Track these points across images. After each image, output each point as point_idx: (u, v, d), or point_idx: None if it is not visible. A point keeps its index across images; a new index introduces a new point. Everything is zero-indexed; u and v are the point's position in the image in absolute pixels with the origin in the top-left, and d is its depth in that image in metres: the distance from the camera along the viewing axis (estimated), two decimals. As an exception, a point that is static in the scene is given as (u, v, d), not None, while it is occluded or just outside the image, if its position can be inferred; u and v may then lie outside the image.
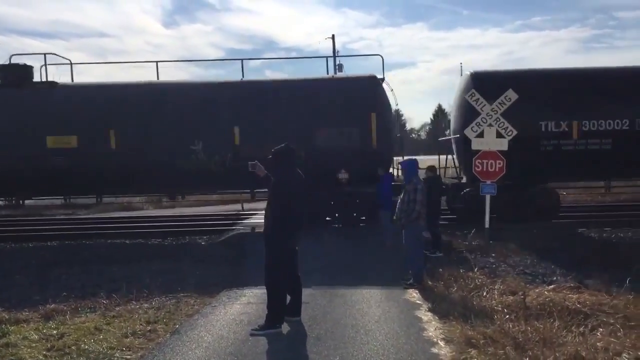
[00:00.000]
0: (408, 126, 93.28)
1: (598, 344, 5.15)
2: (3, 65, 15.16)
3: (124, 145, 14.28)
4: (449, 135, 16.84)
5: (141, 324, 6.62)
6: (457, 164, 16.28)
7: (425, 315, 6.81)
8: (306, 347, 5.71)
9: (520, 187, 14.58)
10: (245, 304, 7.56)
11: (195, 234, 15.08)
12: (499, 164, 10.60)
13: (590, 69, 15.67)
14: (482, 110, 10.87)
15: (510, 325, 5.75)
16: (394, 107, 15.40)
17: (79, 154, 14.25)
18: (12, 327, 6.56)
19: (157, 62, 15.83)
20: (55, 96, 14.89)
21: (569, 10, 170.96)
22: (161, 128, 14.32)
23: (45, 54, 15.60)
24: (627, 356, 4.93)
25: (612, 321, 5.88)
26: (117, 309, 7.44)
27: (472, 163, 10.83)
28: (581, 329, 5.66)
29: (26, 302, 8.10)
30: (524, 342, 5.27)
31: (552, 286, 7.25)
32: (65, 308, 7.42)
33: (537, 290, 7.20)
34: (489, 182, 10.64)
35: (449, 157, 16.76)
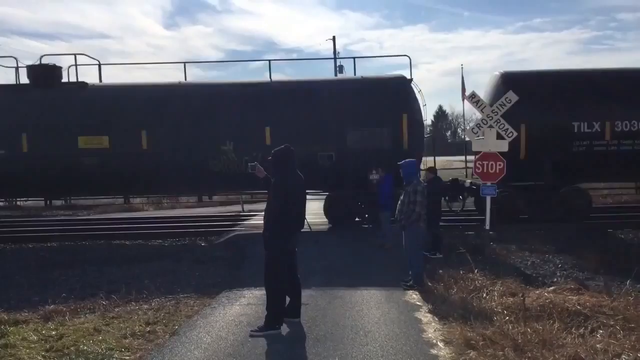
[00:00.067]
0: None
1: (597, 345, 5.13)
2: (33, 66, 15.15)
3: (155, 146, 14.25)
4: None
5: (140, 325, 6.61)
6: None
7: (424, 316, 6.79)
8: (305, 348, 5.71)
9: (551, 188, 14.53)
10: (244, 305, 7.55)
11: (196, 235, 15.08)
12: (500, 165, 10.60)
13: (624, 69, 15.71)
14: (483, 112, 10.86)
15: (510, 327, 5.74)
16: (422, 107, 15.38)
17: (110, 155, 14.25)
18: (12, 328, 6.54)
19: (184, 62, 15.97)
20: (86, 96, 14.90)
21: (570, 11, 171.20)
22: (192, 128, 14.28)
23: (75, 55, 15.65)
24: (626, 358, 4.92)
25: (612, 323, 5.86)
26: (117, 310, 7.44)
27: (474, 164, 10.81)
28: (581, 330, 5.65)
29: (26, 303, 8.10)
30: (523, 343, 5.26)
31: (552, 288, 7.25)
32: (64, 309, 7.40)
33: (537, 291, 7.19)
34: (489, 183, 10.63)
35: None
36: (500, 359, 5.03)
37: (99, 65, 16.01)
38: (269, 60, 15.91)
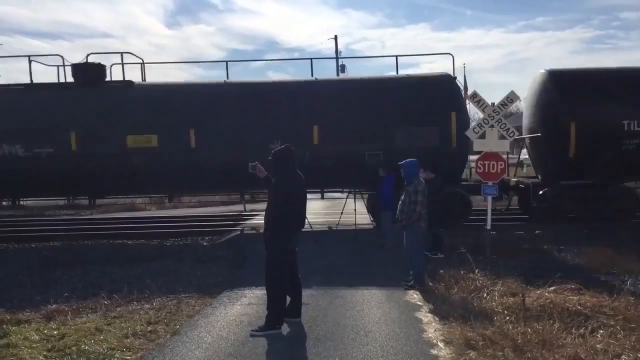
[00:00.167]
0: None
1: (598, 345, 5.14)
2: (78, 64, 15.17)
3: (204, 145, 14.22)
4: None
5: (142, 325, 6.63)
6: (531, 162, 16.15)
7: (425, 316, 6.81)
8: (306, 348, 5.73)
9: (599, 186, 14.46)
10: (245, 305, 7.57)
11: (197, 234, 15.11)
12: (501, 165, 10.59)
13: None
14: (484, 112, 10.85)
15: (510, 327, 5.74)
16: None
17: (159, 153, 14.22)
18: (14, 328, 6.57)
19: (226, 61, 15.93)
20: (133, 95, 14.92)
21: (573, 11, 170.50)
22: (240, 127, 14.27)
23: (122, 53, 15.63)
24: (626, 358, 4.92)
25: (612, 323, 5.86)
26: (118, 309, 7.47)
27: (475, 164, 10.79)
28: (581, 330, 5.65)
29: (28, 302, 8.13)
30: (523, 343, 5.27)
31: (552, 288, 7.23)
32: (66, 308, 7.43)
33: (537, 291, 7.19)
34: (490, 183, 10.62)
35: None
36: (500, 359, 5.04)
37: (142, 64, 15.98)
38: (311, 59, 15.92)
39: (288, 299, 6.56)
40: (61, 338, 6.16)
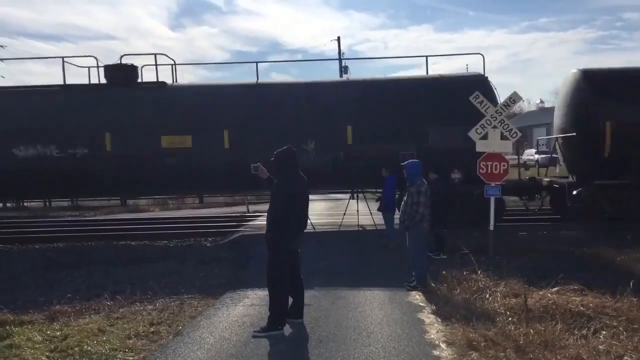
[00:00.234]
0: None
1: (600, 347, 5.13)
2: (111, 66, 15.22)
3: (237, 145, 14.23)
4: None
5: (144, 326, 6.65)
6: (562, 162, 16.14)
7: (427, 317, 6.80)
8: (308, 349, 5.73)
9: (636, 186, 14.16)
10: (248, 306, 7.58)
11: (201, 235, 15.12)
12: (504, 166, 10.58)
13: None
14: (487, 112, 10.84)
15: (512, 328, 5.74)
16: None
17: (193, 154, 14.22)
18: (17, 329, 6.60)
19: (256, 62, 15.97)
20: (167, 96, 14.96)
21: (576, 11, 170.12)
22: (274, 127, 14.25)
23: (155, 54, 15.65)
24: (628, 359, 4.91)
25: (615, 324, 5.85)
26: (121, 310, 7.48)
27: (478, 164, 10.76)
28: (583, 331, 5.64)
29: (31, 303, 8.13)
30: (525, 344, 5.27)
31: (555, 288, 7.21)
32: (69, 309, 7.45)
33: (540, 292, 7.17)
34: (493, 184, 10.61)
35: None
36: (501, 360, 5.04)
37: (174, 65, 15.96)
38: (340, 60, 15.94)
39: (290, 299, 6.57)
40: (64, 339, 6.17)
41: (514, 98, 10.80)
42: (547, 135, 16.51)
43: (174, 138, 14.26)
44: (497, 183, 10.61)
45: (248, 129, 14.26)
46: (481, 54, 15.33)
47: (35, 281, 9.81)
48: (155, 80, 15.34)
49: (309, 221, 6.84)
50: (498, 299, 7.07)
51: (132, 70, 15.24)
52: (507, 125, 10.73)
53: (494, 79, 15.21)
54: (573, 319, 6.05)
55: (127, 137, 14.28)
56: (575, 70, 15.06)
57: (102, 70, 15.34)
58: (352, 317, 6.87)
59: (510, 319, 6.11)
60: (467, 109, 14.06)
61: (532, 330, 5.60)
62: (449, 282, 8.24)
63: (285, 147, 6.58)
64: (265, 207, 6.86)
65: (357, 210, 14.08)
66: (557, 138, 16.10)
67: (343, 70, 32.13)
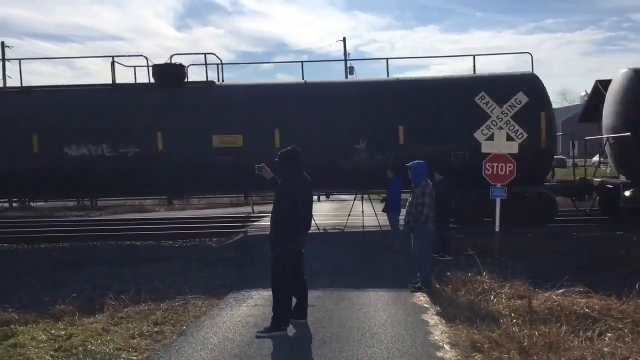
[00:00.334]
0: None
1: (605, 349, 5.09)
2: (160, 65, 15.28)
3: (288, 145, 14.09)
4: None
5: (148, 325, 6.66)
6: (612, 162, 16.08)
7: (432, 318, 6.78)
8: (311, 349, 5.73)
9: None
10: (252, 306, 7.58)
11: (205, 236, 15.14)
12: (509, 167, 10.54)
13: None
14: (492, 113, 10.81)
15: (516, 330, 5.71)
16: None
17: (243, 153, 14.19)
18: (21, 328, 6.62)
19: (302, 62, 15.99)
20: (216, 95, 15.02)
21: (583, 12, 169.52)
22: (325, 127, 14.27)
23: (205, 54, 15.70)
24: (633, 361, 4.88)
25: (620, 326, 5.81)
26: (125, 310, 7.48)
27: (483, 165, 10.71)
28: (588, 333, 5.61)
29: (36, 303, 8.15)
30: (529, 346, 5.24)
31: (561, 290, 7.18)
32: (74, 309, 7.45)
33: (545, 294, 7.13)
34: (499, 185, 10.57)
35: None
36: (505, 361, 5.01)
37: (221, 64, 15.93)
38: (386, 59, 15.93)
39: (294, 300, 6.56)
40: (68, 338, 6.19)
41: (520, 99, 10.76)
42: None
43: (225, 137, 14.31)
44: (502, 184, 10.56)
45: (298, 129, 14.21)
46: (529, 53, 15.21)
47: (40, 281, 9.84)
48: (197, 79, 15.42)
49: (313, 222, 6.82)
50: (503, 300, 7.04)
51: (181, 69, 15.30)
52: (513, 126, 10.70)
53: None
54: (578, 321, 6.02)
55: (178, 137, 14.31)
56: (626, 69, 14.95)
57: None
58: (356, 317, 6.86)
59: (514, 320, 6.08)
60: (522, 108, 13.92)
61: (536, 332, 5.58)
62: (453, 283, 8.22)
63: (289, 148, 6.58)
64: (270, 207, 6.85)
65: (362, 212, 14.06)
66: (607, 138, 15.92)
67: (349, 71, 32.20)
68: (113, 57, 15.27)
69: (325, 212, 19.93)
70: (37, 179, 14.57)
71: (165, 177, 14.42)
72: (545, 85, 14.83)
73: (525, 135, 10.79)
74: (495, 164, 10.62)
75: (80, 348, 5.81)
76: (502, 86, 14.41)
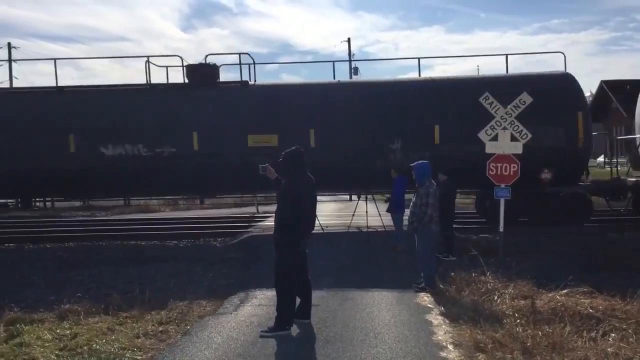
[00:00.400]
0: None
1: (609, 349, 5.09)
2: (194, 65, 15.34)
3: (323, 144, 14.21)
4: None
5: (153, 325, 6.69)
6: None
7: (435, 319, 6.79)
8: (315, 349, 5.74)
9: None
10: (256, 306, 7.60)
11: (210, 236, 15.16)
12: (514, 167, 10.53)
13: None
14: (496, 114, 10.80)
15: (520, 330, 5.72)
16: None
17: (278, 153, 14.15)
18: (27, 327, 6.66)
19: (333, 62, 16.06)
20: (251, 95, 15.06)
21: (588, 12, 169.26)
22: (360, 127, 14.26)
23: (240, 54, 15.77)
24: (637, 362, 4.87)
25: (624, 326, 5.80)
26: (130, 309, 7.50)
27: (487, 166, 10.70)
28: (592, 334, 5.60)
29: (42, 302, 8.20)
30: (532, 346, 5.24)
31: (565, 291, 7.17)
32: (79, 308, 7.48)
33: (549, 294, 7.13)
34: (503, 185, 10.56)
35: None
36: (509, 361, 5.02)
37: (254, 64, 15.95)
38: (418, 58, 15.96)
39: (298, 300, 6.58)
40: (73, 337, 6.23)
41: (524, 99, 10.74)
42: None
43: (260, 137, 14.27)
44: (507, 185, 10.56)
45: (333, 128, 14.24)
46: (562, 53, 15.17)
47: (46, 280, 9.89)
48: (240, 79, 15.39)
49: (317, 222, 6.83)
50: (506, 300, 7.04)
51: (214, 69, 15.34)
52: (517, 127, 10.69)
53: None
54: (582, 322, 6.01)
55: (214, 136, 14.31)
56: None
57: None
58: (359, 318, 6.87)
59: (518, 321, 6.08)
60: (560, 107, 13.89)
61: (539, 332, 5.58)
62: (457, 283, 8.22)
63: (293, 148, 6.60)
64: (274, 208, 6.87)
65: (366, 212, 14.07)
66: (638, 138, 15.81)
67: (353, 71, 32.19)
68: (148, 57, 15.30)
69: (329, 212, 19.94)
70: (74, 178, 14.61)
71: (200, 176, 14.46)
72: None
73: (529, 135, 10.75)
74: (499, 165, 10.61)
75: (85, 347, 5.85)
76: (537, 85, 14.38)
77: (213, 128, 14.36)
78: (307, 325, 6.53)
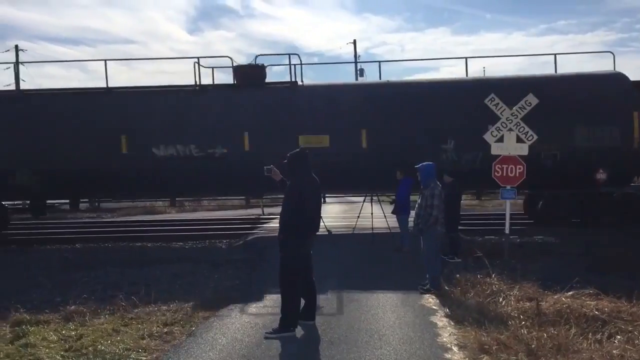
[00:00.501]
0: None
1: (614, 351, 5.06)
2: (242, 66, 15.42)
3: (375, 145, 14.21)
4: None
5: (158, 326, 6.70)
6: None
7: (440, 320, 6.78)
8: (319, 350, 5.74)
9: None
10: (260, 308, 7.61)
11: (216, 237, 15.21)
12: (519, 169, 10.50)
13: None
14: (502, 115, 10.78)
15: (525, 332, 5.70)
16: None
17: (329, 154, 14.14)
18: (33, 328, 6.68)
19: (379, 62, 16.09)
20: (301, 96, 15.07)
21: (595, 13, 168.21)
22: (412, 127, 14.22)
23: (289, 55, 15.77)
24: (643, 364, 4.84)
25: (630, 328, 5.78)
26: (136, 311, 7.52)
27: (493, 167, 10.67)
28: (598, 336, 5.57)
29: (48, 303, 8.22)
30: (537, 348, 5.22)
31: (570, 292, 7.13)
32: (85, 310, 7.49)
33: (555, 296, 7.09)
34: (508, 187, 10.54)
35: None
36: (513, 363, 5.00)
37: (300, 64, 15.91)
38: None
39: (302, 301, 6.58)
40: (79, 338, 6.24)
41: (530, 100, 10.71)
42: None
43: (312, 137, 14.24)
44: (512, 186, 10.53)
45: (385, 129, 14.20)
46: (611, 52, 15.10)
47: (51, 281, 9.92)
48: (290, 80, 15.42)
49: (322, 223, 6.83)
50: (511, 302, 7.01)
51: (262, 70, 15.37)
52: (523, 128, 10.66)
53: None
54: (587, 323, 5.98)
55: (264, 136, 14.29)
56: None
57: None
58: (364, 319, 6.87)
59: (523, 322, 6.06)
60: (615, 107, 13.75)
61: (544, 334, 5.55)
62: (462, 285, 8.19)
63: (297, 149, 6.62)
64: (279, 209, 6.88)
65: (372, 213, 14.05)
66: None
67: (359, 73, 32.18)
68: (198, 57, 15.34)
69: (334, 214, 19.95)
70: (125, 179, 14.68)
71: (250, 176, 14.45)
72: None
73: (535, 137, 10.71)
74: (505, 166, 10.58)
75: (90, 348, 5.86)
76: (591, 84, 14.32)
77: (263, 129, 14.36)
78: (312, 326, 6.53)
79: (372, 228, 13.91)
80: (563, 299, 6.89)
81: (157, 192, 17.05)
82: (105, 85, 15.47)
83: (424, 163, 8.80)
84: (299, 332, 6.35)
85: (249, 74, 15.10)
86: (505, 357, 5.13)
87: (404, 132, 14.16)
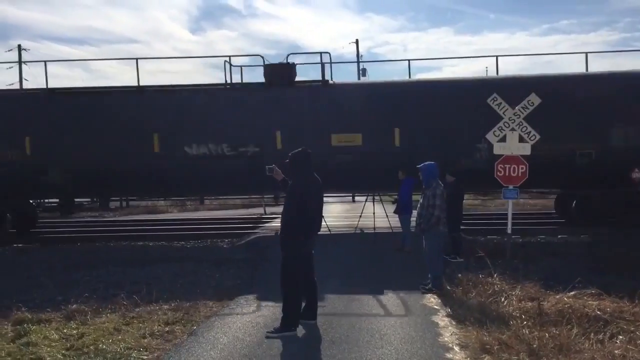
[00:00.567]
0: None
1: (616, 351, 5.05)
2: (273, 65, 15.36)
3: (408, 144, 14.12)
4: None
5: (159, 325, 6.70)
6: None
7: (442, 320, 6.77)
8: (320, 350, 5.73)
9: None
10: (262, 307, 7.60)
11: (217, 237, 15.20)
12: (522, 168, 10.48)
13: None
14: (505, 115, 10.76)
15: (526, 332, 5.69)
16: None
17: (361, 152, 14.15)
18: (34, 327, 6.69)
19: (408, 60, 16.04)
20: (332, 94, 15.01)
21: (598, 13, 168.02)
22: (445, 126, 14.18)
23: (321, 53, 15.67)
24: (645, 364, 4.83)
25: (632, 329, 5.76)
26: (137, 310, 7.53)
27: (495, 167, 10.66)
28: (599, 336, 5.56)
29: (49, 302, 8.22)
30: (538, 348, 5.21)
31: (572, 292, 7.12)
32: (86, 309, 7.50)
33: (557, 296, 7.08)
34: (511, 187, 10.52)
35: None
36: (515, 363, 4.99)
37: (330, 63, 15.76)
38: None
39: (304, 301, 6.57)
40: (80, 337, 6.25)
41: (532, 100, 10.69)
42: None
43: (344, 136, 14.24)
44: (515, 186, 10.51)
45: (418, 127, 14.15)
46: None
47: (53, 280, 9.89)
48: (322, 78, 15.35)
49: (324, 223, 6.82)
50: (513, 302, 7.00)
51: (292, 68, 15.31)
52: (525, 128, 10.64)
53: None
54: (589, 323, 5.97)
55: (296, 135, 14.07)
56: None
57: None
58: (365, 319, 6.86)
59: (524, 322, 6.05)
60: None
61: (546, 334, 5.55)
62: (464, 285, 8.19)
63: (300, 149, 6.61)
64: (281, 209, 6.87)
65: (374, 213, 14.05)
66: None
67: (362, 72, 32.20)
68: (230, 56, 15.36)
69: (336, 214, 19.95)
70: (157, 177, 14.67)
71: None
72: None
73: (538, 137, 10.69)
74: (507, 166, 10.56)
75: (91, 347, 5.87)
76: (625, 83, 14.23)
77: (295, 127, 14.27)
78: (313, 326, 6.52)
79: (374, 228, 13.92)
80: (565, 298, 6.88)
81: (188, 191, 17.02)
82: (131, 85, 15.50)
83: (426, 163, 8.79)
84: (300, 331, 6.35)
85: (280, 73, 15.04)
86: (507, 357, 5.12)
87: (438, 131, 14.08)
